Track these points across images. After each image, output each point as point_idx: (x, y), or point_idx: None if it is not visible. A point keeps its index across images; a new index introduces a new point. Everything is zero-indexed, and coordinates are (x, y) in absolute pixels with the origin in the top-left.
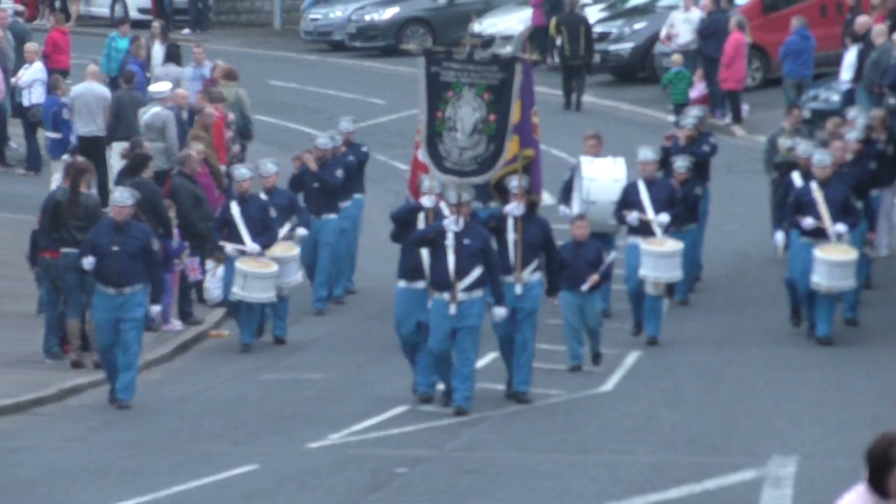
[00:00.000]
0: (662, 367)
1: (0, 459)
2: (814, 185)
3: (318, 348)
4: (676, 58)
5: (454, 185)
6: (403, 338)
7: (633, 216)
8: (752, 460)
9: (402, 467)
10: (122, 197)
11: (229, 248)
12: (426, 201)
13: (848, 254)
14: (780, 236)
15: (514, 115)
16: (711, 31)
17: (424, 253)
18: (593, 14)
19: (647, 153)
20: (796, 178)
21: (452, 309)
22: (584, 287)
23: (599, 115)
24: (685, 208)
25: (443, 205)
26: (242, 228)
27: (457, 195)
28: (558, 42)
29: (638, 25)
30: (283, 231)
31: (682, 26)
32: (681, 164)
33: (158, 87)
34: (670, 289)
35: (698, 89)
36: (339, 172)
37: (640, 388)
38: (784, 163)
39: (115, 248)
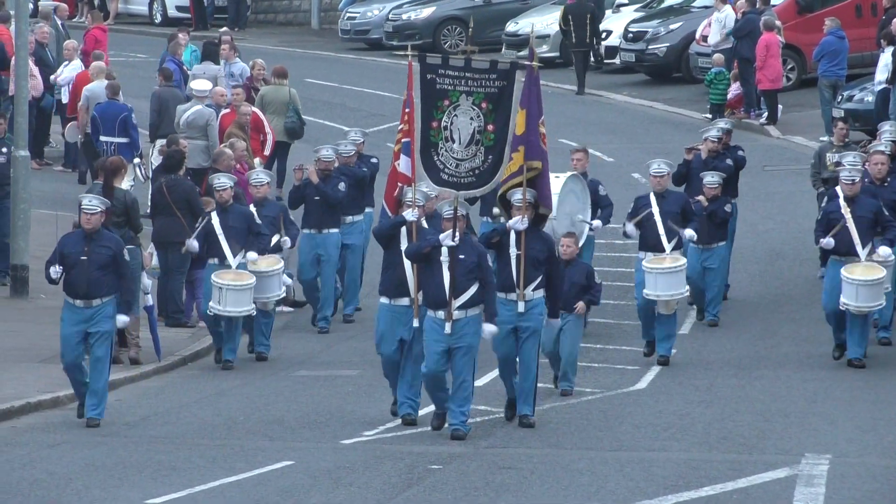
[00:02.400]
0: (696, 364)
1: (37, 454)
2: (842, 202)
3: (352, 346)
4: (717, 58)
5: (450, 198)
6: (385, 357)
7: (630, 227)
8: (785, 458)
9: (436, 464)
10: (91, 204)
11: (190, 242)
12: (409, 215)
13: (875, 272)
14: (826, 241)
15: (519, 126)
16: (746, 32)
17: (409, 269)
18: (629, 14)
19: (661, 166)
20: (840, 191)
21: (448, 328)
22: (572, 313)
23: (635, 114)
24: (713, 226)
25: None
26: (223, 240)
27: (452, 208)
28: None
29: (673, 25)
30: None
31: (714, 26)
32: (710, 178)
33: (199, 85)
34: (700, 311)
35: (732, 90)
36: (342, 186)
37: (674, 386)
38: (833, 178)
39: (83, 258)
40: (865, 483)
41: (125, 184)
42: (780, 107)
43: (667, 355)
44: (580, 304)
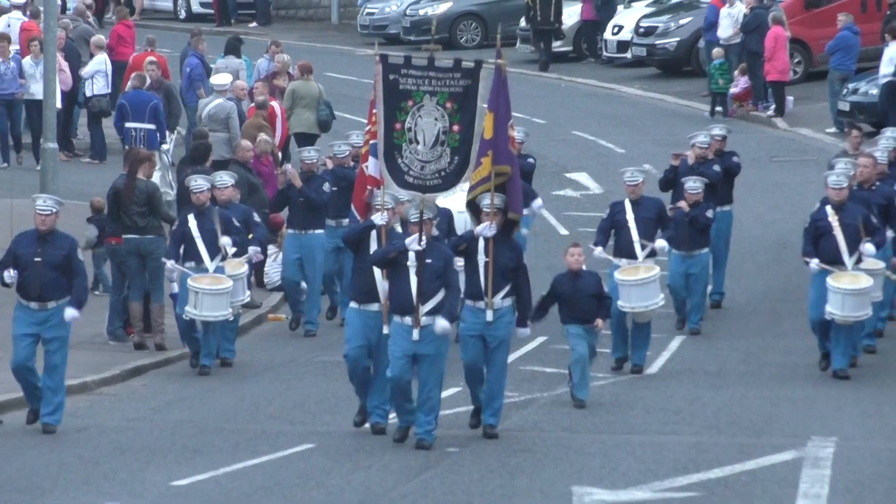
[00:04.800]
0: (706, 351)
1: (66, 438)
2: (829, 210)
3: None
4: (717, 51)
5: (416, 201)
6: (351, 358)
7: (598, 252)
8: (792, 441)
9: (453, 447)
10: (45, 205)
11: (170, 265)
12: (378, 219)
13: (861, 282)
14: (814, 264)
15: (487, 131)
16: (754, 27)
17: (378, 273)
18: (640, 9)
19: (635, 174)
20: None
21: (416, 334)
22: (596, 328)
23: (646, 107)
24: (694, 232)
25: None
26: (199, 243)
27: (418, 212)
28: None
29: (683, 20)
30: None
31: (724, 21)
32: (692, 184)
33: (220, 80)
34: (682, 320)
35: (741, 83)
36: (326, 187)
37: (684, 372)
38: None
39: (37, 260)
40: (870, 465)
41: (156, 174)
42: (790, 98)
43: (641, 364)
44: (600, 322)
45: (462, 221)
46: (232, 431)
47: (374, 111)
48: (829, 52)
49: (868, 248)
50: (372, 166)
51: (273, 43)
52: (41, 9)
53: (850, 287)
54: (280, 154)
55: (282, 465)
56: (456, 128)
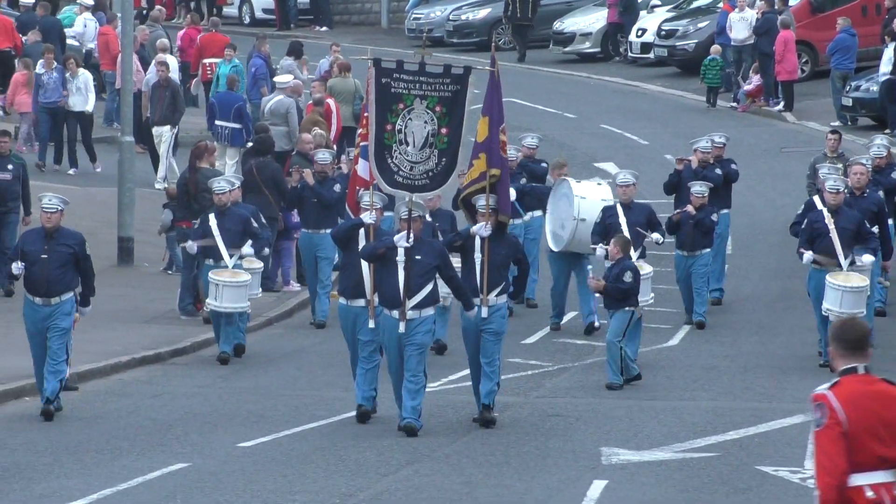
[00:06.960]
0: (722, 324)
1: (142, 403)
2: (826, 213)
3: None
4: (715, 48)
5: (405, 200)
6: (353, 350)
7: (599, 250)
8: (800, 406)
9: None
10: (50, 203)
11: (190, 244)
12: (366, 217)
13: (858, 281)
14: (808, 256)
15: (481, 134)
16: (765, 30)
17: (366, 270)
18: (662, 14)
19: (626, 176)
20: (818, 201)
21: (402, 327)
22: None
23: (667, 102)
24: (699, 234)
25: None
26: (220, 241)
27: (407, 210)
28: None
29: (701, 24)
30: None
31: (738, 24)
32: (698, 188)
33: (282, 79)
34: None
35: (754, 81)
36: (337, 187)
37: (701, 343)
38: None
39: (43, 256)
40: None
41: (229, 165)
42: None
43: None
44: (638, 310)
45: (594, 208)
46: (292, 398)
47: (364, 114)
48: (829, 54)
49: (866, 258)
50: (361, 167)
51: (333, 44)
52: (118, 14)
53: (848, 285)
54: (335, 147)
55: (337, 428)
56: (444, 130)
